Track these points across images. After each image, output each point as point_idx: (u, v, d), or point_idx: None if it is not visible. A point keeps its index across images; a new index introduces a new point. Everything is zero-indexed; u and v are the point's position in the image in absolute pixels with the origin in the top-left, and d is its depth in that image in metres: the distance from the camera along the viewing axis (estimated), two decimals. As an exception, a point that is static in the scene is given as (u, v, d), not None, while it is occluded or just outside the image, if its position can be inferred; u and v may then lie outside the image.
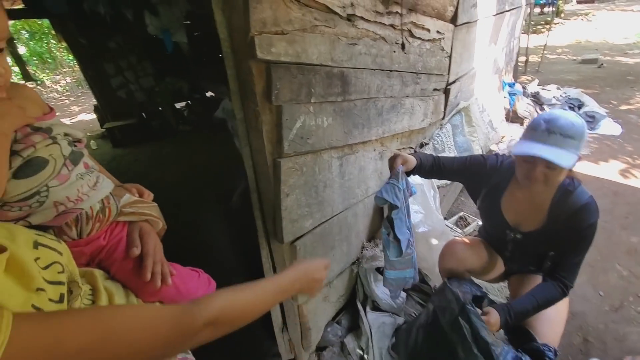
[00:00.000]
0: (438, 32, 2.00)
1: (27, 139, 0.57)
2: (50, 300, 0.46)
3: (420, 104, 2.06)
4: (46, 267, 0.47)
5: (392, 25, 1.55)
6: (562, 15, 12.92)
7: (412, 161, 1.33)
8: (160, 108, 5.26)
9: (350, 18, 1.28)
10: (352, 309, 1.81)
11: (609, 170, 3.30)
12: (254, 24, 0.93)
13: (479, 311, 1.25)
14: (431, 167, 1.38)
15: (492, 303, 1.45)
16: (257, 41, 0.94)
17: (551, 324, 1.31)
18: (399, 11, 1.55)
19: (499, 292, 1.92)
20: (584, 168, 3.35)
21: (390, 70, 1.63)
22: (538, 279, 1.45)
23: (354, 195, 1.64)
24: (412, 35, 1.75)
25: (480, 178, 1.40)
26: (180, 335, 0.48)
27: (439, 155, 1.45)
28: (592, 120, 4.04)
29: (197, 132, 5.34)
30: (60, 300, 0.48)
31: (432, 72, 2.08)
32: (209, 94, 5.69)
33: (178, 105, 5.67)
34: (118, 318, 0.44)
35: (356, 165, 1.60)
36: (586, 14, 13.34)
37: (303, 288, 0.75)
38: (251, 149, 1.17)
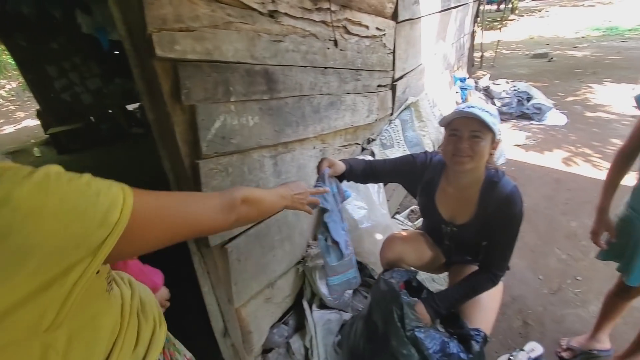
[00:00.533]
0: (378, 28, 2.02)
1: None
2: None
3: (364, 100, 2.07)
4: None
5: (323, 22, 1.54)
6: (517, 11, 13.52)
7: (340, 165, 1.32)
8: (109, 110, 5.01)
9: (272, 14, 1.26)
10: (299, 308, 1.79)
11: (553, 159, 3.47)
12: (151, 21, 0.89)
13: (416, 300, 1.28)
14: (363, 172, 1.39)
15: (429, 292, 1.47)
16: (156, 38, 0.89)
17: (483, 310, 1.34)
18: (329, 7, 1.54)
19: (444, 281, 1.97)
20: (529, 157, 3.52)
21: (325, 67, 1.62)
22: (475, 269, 1.49)
23: (293, 194, 1.62)
24: (348, 32, 1.75)
25: (413, 176, 1.43)
26: (228, 204, 0.68)
27: (373, 159, 1.46)
28: (538, 112, 4.25)
29: (151, 134, 5.12)
30: None
31: (374, 68, 2.09)
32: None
33: (130, 107, 5.42)
34: (185, 195, 0.65)
35: (294, 163, 1.58)
36: (539, 10, 14.04)
37: (295, 204, 0.97)
38: (168, 151, 1.12)
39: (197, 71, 1.02)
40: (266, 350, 1.64)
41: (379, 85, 2.25)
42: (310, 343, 1.58)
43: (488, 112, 1.14)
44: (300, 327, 1.72)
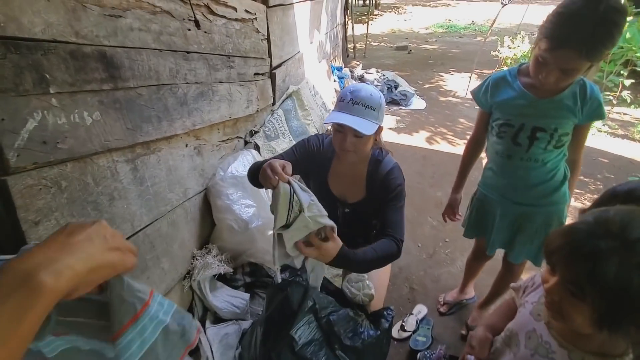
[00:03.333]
0: (247, 11, 1.87)
1: None
2: None
3: (241, 90, 1.91)
4: None
5: (179, -2, 1.32)
6: (380, 7, 15.00)
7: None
8: None
9: (101, -19, 0.99)
10: (190, 328, 1.58)
11: (419, 139, 3.96)
12: None
13: None
14: None
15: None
16: None
17: (377, 293, 1.40)
18: (184, -19, 1.32)
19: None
20: (401, 139, 3.92)
21: (188, 52, 1.40)
22: None
23: (166, 201, 1.38)
24: (212, 12, 1.55)
25: (309, 160, 1.39)
26: None
27: (273, 158, 1.31)
28: (404, 98, 4.77)
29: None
30: None
31: (248, 55, 1.95)
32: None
33: None
34: None
35: (161, 166, 1.34)
36: (397, 7, 15.88)
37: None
38: (-51, 167, 0.78)
39: (-19, 51, 0.72)
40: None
41: (257, 74, 2.11)
42: (206, 365, 1.40)
43: (370, 108, 1.18)
44: (194, 350, 1.51)
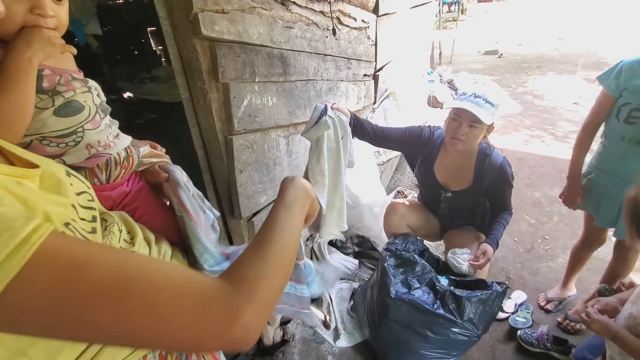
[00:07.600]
0: (363, 20, 2.18)
1: (69, 84, 0.65)
2: (82, 219, 0.48)
3: (354, 88, 2.22)
4: (78, 194, 0.51)
5: (322, 12, 1.67)
6: (466, 13, 14.49)
7: (345, 110, 1.35)
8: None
9: (284, 2, 1.37)
10: (310, 282, 1.90)
11: (514, 141, 3.87)
12: (196, 1, 0.97)
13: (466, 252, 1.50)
14: (374, 132, 1.52)
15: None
16: (201, 18, 0.97)
17: (483, 271, 1.56)
18: (328, -1, 1.67)
19: (435, 249, 2.18)
20: (493, 141, 3.87)
21: (325, 55, 1.75)
22: (468, 231, 1.70)
23: (302, 174, 1.73)
24: (340, 22, 1.89)
25: (417, 147, 1.62)
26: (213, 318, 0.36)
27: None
28: (497, 100, 4.66)
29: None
30: (93, 220, 0.51)
31: (361, 58, 2.25)
32: (127, 94, 5.26)
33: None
34: (147, 268, 0.36)
35: (301, 144, 1.69)
36: (486, 12, 15.15)
37: (305, 206, 0.59)
38: (200, 128, 1.19)
39: (230, 51, 1.11)
40: (284, 322, 1.73)
41: (365, 75, 2.41)
42: (328, 310, 1.70)
43: (490, 103, 1.35)
44: (314, 298, 1.83)
